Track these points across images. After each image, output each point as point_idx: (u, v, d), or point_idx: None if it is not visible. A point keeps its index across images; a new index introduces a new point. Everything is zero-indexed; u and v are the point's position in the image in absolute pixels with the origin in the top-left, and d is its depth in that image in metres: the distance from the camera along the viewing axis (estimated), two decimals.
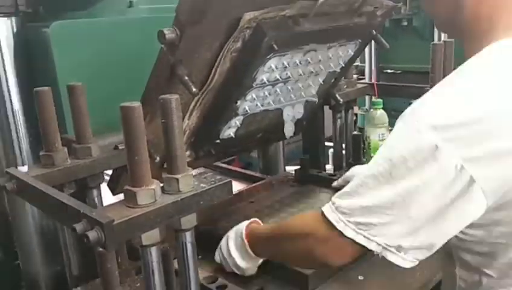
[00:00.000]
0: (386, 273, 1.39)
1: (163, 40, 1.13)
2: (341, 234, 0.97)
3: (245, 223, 1.36)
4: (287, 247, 1.16)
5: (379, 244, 0.96)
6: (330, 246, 1.02)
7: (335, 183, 1.81)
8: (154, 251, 0.98)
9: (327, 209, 1.01)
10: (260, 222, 1.39)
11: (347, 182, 1.28)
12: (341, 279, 1.38)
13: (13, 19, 1.53)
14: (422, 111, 0.93)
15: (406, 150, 0.91)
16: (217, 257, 1.43)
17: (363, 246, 0.97)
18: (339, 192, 1.02)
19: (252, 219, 1.38)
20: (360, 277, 1.38)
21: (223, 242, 1.40)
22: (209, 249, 1.50)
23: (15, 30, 1.53)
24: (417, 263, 0.98)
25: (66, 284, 1.45)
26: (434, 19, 1.17)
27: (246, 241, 1.31)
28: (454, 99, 0.92)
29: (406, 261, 0.97)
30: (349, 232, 0.97)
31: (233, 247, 1.35)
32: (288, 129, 1.74)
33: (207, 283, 1.34)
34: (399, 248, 0.95)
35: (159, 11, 1.88)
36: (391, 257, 0.96)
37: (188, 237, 1.04)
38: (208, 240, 1.52)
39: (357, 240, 0.96)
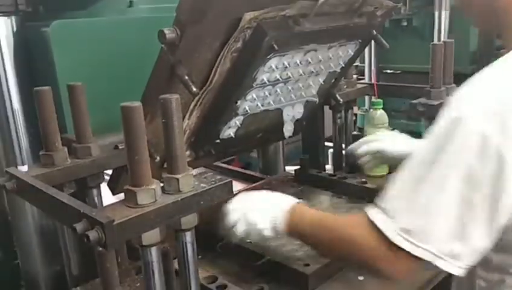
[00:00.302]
0: None
1: (163, 40, 1.13)
2: (392, 244, 0.94)
3: (281, 208, 1.24)
4: (335, 250, 1.11)
5: (430, 252, 0.92)
6: (383, 258, 0.97)
7: (350, 147, 1.85)
8: (154, 251, 0.98)
9: (376, 217, 0.99)
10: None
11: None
12: (341, 279, 1.38)
13: (13, 18, 1.53)
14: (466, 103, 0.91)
15: (452, 146, 0.89)
16: (240, 229, 1.29)
17: (415, 257, 0.93)
18: (385, 197, 1.00)
19: (295, 203, 1.26)
20: (360, 277, 1.38)
21: (251, 219, 1.27)
22: (210, 249, 1.51)
23: (15, 29, 1.53)
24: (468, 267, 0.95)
25: (65, 284, 1.45)
26: (471, 15, 1.15)
27: (284, 229, 1.21)
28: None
29: (460, 269, 0.93)
30: (397, 240, 0.93)
31: (267, 230, 1.24)
32: (288, 129, 1.74)
33: (207, 283, 1.34)
34: (451, 254, 0.92)
35: (159, 11, 1.88)
36: (442, 265, 0.93)
37: (188, 237, 1.04)
38: (208, 240, 1.52)
39: (404, 247, 0.93)
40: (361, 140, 1.80)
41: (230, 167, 2.55)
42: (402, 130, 2.24)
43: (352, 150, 1.80)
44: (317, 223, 1.16)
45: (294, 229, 1.21)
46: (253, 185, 2.01)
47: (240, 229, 1.29)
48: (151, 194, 0.94)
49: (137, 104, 0.91)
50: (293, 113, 1.72)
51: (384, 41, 1.69)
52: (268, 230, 1.24)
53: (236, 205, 1.32)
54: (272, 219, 1.23)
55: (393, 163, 1.58)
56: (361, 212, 1.05)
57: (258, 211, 1.26)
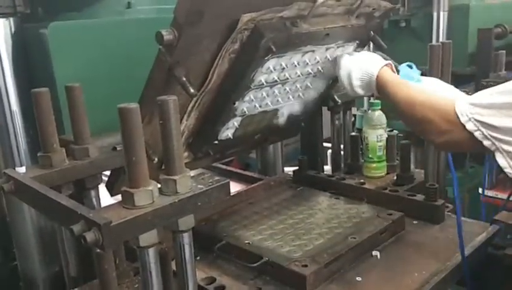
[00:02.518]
0: (384, 275, 1.40)
1: (161, 41, 1.13)
2: (463, 127, 1.12)
3: (375, 66, 1.48)
4: (412, 111, 1.31)
5: (493, 144, 1.09)
6: (449, 131, 1.17)
7: None
8: (151, 252, 0.98)
9: (459, 103, 1.15)
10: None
11: None
12: (339, 280, 1.38)
13: (11, 19, 1.53)
14: None
15: None
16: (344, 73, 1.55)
17: (479, 142, 1.10)
18: (474, 95, 1.17)
19: (384, 63, 1.49)
20: (358, 278, 1.38)
21: (343, 77, 1.55)
22: (207, 250, 1.51)
23: (13, 31, 1.53)
24: None
25: (64, 285, 1.44)
26: None
27: (375, 86, 1.48)
28: None
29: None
30: (470, 126, 1.11)
31: (357, 85, 1.52)
32: (281, 118, 1.73)
33: (205, 284, 1.34)
34: (510, 154, 1.07)
35: (157, 12, 1.88)
36: (499, 159, 1.09)
37: (186, 239, 1.04)
38: (206, 241, 1.52)
39: (476, 135, 1.10)
40: None
41: (229, 168, 2.55)
42: (400, 131, 2.25)
43: None
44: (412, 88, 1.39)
45: (387, 86, 1.45)
46: (252, 186, 2.01)
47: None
48: (148, 196, 0.94)
49: (135, 105, 0.91)
50: (289, 111, 1.72)
51: (382, 42, 1.70)
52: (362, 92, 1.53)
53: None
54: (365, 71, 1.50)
55: None
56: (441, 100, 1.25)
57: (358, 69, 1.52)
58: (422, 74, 1.56)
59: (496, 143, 1.08)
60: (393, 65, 1.53)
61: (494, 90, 1.12)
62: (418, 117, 1.28)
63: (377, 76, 1.47)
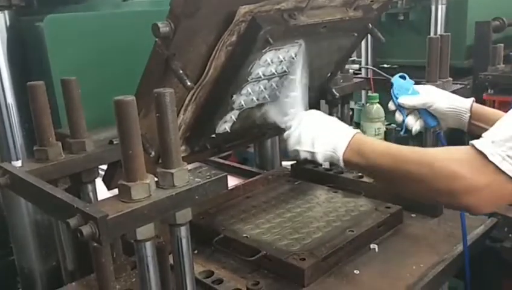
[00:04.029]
0: (382, 268, 1.40)
1: (157, 34, 1.12)
2: (495, 169, 0.93)
3: (343, 137, 1.22)
4: (417, 180, 1.06)
5: None
6: (480, 185, 0.96)
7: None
8: (149, 245, 0.97)
9: (480, 144, 0.97)
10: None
11: None
12: (337, 273, 1.38)
13: (6, 12, 1.52)
14: None
15: None
16: (291, 143, 1.30)
17: None
18: (491, 129, 0.99)
19: (355, 132, 1.24)
20: (356, 271, 1.38)
21: (305, 138, 1.27)
22: (205, 243, 1.50)
23: (8, 24, 1.52)
24: None
25: (61, 280, 1.44)
26: None
27: (341, 159, 1.21)
28: None
29: None
30: (505, 166, 0.93)
31: (321, 155, 1.24)
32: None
33: (202, 278, 1.34)
34: None
35: (154, 5, 1.86)
36: None
37: (183, 232, 1.04)
38: (203, 235, 1.52)
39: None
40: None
41: (226, 162, 2.54)
42: (398, 124, 2.25)
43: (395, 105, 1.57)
44: (394, 156, 1.13)
45: (357, 161, 1.20)
46: (250, 180, 2.00)
47: (303, 155, 1.29)
48: (145, 189, 0.94)
49: (131, 98, 0.90)
50: None
51: (380, 35, 1.69)
52: (324, 159, 1.25)
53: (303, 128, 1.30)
54: (330, 149, 1.23)
55: (443, 118, 1.49)
56: (451, 148, 1.05)
57: (320, 139, 1.26)
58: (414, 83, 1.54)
59: None
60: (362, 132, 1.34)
61: (507, 122, 0.98)
62: (435, 177, 1.03)
63: (350, 142, 1.22)
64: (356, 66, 1.81)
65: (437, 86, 1.77)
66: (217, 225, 1.59)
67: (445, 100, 1.48)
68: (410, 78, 1.54)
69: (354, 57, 3.73)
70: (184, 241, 1.04)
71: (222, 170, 2.25)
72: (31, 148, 1.26)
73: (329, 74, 1.79)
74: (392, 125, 2.12)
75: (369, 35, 1.74)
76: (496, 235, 1.57)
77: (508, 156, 0.93)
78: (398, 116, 1.54)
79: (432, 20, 3.35)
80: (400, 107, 1.51)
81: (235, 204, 1.76)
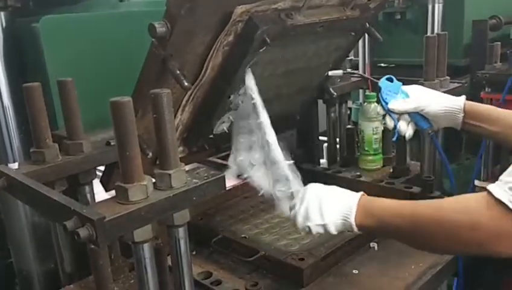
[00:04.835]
0: (381, 267, 1.39)
1: (154, 34, 1.12)
2: None
3: (352, 195, 1.18)
4: (443, 227, 1.01)
5: None
6: (502, 231, 0.93)
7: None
8: (146, 247, 0.97)
9: (498, 192, 0.92)
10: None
11: None
12: (336, 273, 1.38)
13: (2, 13, 1.51)
14: None
15: None
16: (300, 221, 1.21)
17: None
18: (506, 174, 0.94)
19: (361, 194, 1.19)
20: (355, 271, 1.38)
21: (313, 213, 1.19)
22: (203, 244, 1.50)
23: (4, 25, 1.51)
24: None
25: (59, 282, 1.43)
26: None
27: (354, 224, 1.14)
28: None
29: None
30: None
31: (332, 225, 1.17)
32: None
33: (201, 279, 1.33)
34: None
35: (150, 5, 1.86)
36: None
37: (181, 233, 1.03)
38: (201, 236, 1.52)
39: None
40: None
41: (224, 162, 2.53)
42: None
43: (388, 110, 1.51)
44: (410, 216, 1.08)
45: (370, 223, 1.14)
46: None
47: (314, 230, 1.21)
48: (142, 191, 0.93)
49: (127, 99, 0.90)
50: None
51: (377, 34, 1.69)
52: (337, 229, 1.19)
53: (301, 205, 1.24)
54: (341, 217, 1.17)
55: (435, 120, 1.46)
56: (476, 194, 1.00)
57: (328, 209, 1.19)
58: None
59: None
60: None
61: None
62: (458, 234, 0.99)
63: (359, 204, 1.16)
64: (340, 72, 1.78)
65: (435, 84, 1.77)
66: (215, 226, 1.59)
67: (437, 102, 1.44)
68: (408, 77, 1.53)
69: (351, 56, 3.73)
70: (182, 242, 1.04)
71: (220, 170, 2.25)
72: (28, 150, 1.26)
73: (326, 73, 1.79)
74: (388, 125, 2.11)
75: (366, 35, 1.74)
76: None
77: None
78: (389, 122, 1.50)
79: (429, 19, 3.34)
80: (390, 112, 1.47)
81: (233, 204, 1.75)
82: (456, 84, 1.89)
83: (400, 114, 1.47)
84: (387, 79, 1.50)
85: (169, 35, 1.12)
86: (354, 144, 2.10)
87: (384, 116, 1.51)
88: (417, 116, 1.47)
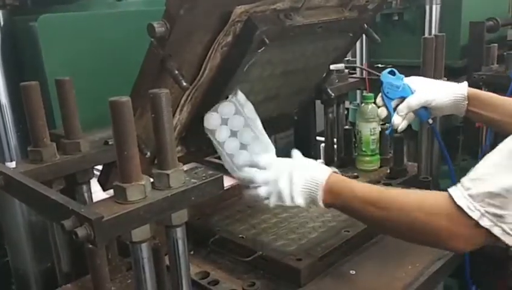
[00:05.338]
0: (378, 268, 1.40)
1: (153, 34, 1.11)
2: (476, 224, 0.94)
3: (322, 171, 1.20)
4: (402, 221, 1.07)
5: None
6: (458, 234, 0.98)
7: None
8: (144, 247, 0.97)
9: (458, 197, 0.96)
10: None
11: None
12: (333, 273, 1.38)
13: (0, 12, 1.51)
14: None
15: None
16: (273, 201, 1.24)
17: (496, 237, 0.93)
18: (468, 178, 0.97)
19: (332, 170, 1.22)
20: (352, 271, 1.38)
21: (283, 182, 1.21)
22: (201, 244, 1.50)
23: (2, 23, 1.51)
24: None
25: (56, 281, 1.43)
26: None
27: (321, 196, 1.18)
28: None
29: None
30: (485, 223, 0.93)
31: (298, 191, 1.20)
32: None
33: (199, 279, 1.34)
34: None
35: (148, 4, 1.86)
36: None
37: (179, 233, 1.03)
38: (199, 236, 1.51)
39: (493, 231, 0.93)
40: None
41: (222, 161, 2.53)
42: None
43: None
44: (378, 207, 1.11)
45: (339, 204, 1.18)
46: None
47: (273, 202, 1.25)
48: (140, 190, 0.93)
49: (126, 98, 0.90)
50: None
51: (375, 35, 1.69)
52: (304, 205, 1.22)
53: (267, 176, 1.25)
54: (308, 195, 1.20)
55: (439, 109, 1.46)
56: (438, 194, 1.03)
57: (292, 186, 1.21)
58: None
59: None
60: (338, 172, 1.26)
61: (490, 170, 0.95)
62: (410, 228, 1.06)
63: (326, 183, 1.18)
64: (341, 66, 1.76)
65: None
66: (213, 226, 1.58)
67: (442, 93, 1.45)
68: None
69: (348, 57, 3.73)
70: (180, 242, 1.04)
71: (218, 170, 2.25)
72: (25, 149, 1.25)
73: (324, 74, 1.79)
74: (387, 125, 2.12)
75: (363, 35, 1.75)
76: None
77: (487, 212, 0.93)
78: (381, 112, 1.50)
79: (426, 20, 3.35)
80: (389, 102, 1.46)
81: (230, 204, 1.75)
82: None
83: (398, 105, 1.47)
84: (390, 72, 1.49)
85: (168, 35, 1.12)
86: (352, 145, 2.10)
87: (347, 113, 1.51)
88: (420, 109, 1.47)
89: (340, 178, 1.22)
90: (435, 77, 1.82)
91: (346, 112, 2.38)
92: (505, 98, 1.47)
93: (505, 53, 2.61)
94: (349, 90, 2.23)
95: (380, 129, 2.00)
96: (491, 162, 0.96)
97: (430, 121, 1.50)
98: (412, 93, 1.47)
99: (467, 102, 1.43)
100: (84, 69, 1.51)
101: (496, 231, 0.93)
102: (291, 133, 2.24)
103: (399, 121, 1.48)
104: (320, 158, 2.56)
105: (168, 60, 1.17)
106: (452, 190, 0.98)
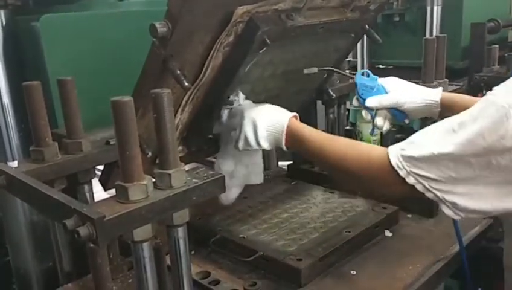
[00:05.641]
0: (378, 268, 1.40)
1: (155, 34, 1.12)
2: (403, 180, 1.06)
3: (283, 116, 1.32)
4: (343, 164, 1.21)
5: (436, 196, 1.05)
6: (390, 185, 1.11)
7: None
8: (146, 246, 0.97)
9: (393, 156, 1.08)
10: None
11: None
12: (334, 274, 1.38)
13: (2, 12, 1.51)
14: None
15: (488, 130, 0.94)
16: (241, 145, 1.37)
17: (420, 192, 1.06)
18: (407, 141, 1.10)
19: (292, 114, 1.34)
20: (353, 272, 1.38)
21: (248, 128, 1.34)
22: (202, 244, 1.50)
23: (4, 23, 1.51)
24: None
25: (57, 281, 1.43)
26: None
27: (284, 138, 1.31)
28: None
29: (457, 215, 1.06)
30: (411, 180, 1.05)
31: (263, 136, 1.32)
32: None
33: (199, 279, 1.34)
34: (454, 205, 1.03)
35: (150, 5, 1.86)
36: (445, 210, 1.06)
37: (180, 233, 1.03)
38: (200, 236, 1.52)
39: (417, 188, 1.06)
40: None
41: None
42: (394, 125, 2.25)
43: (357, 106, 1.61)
44: (328, 138, 1.30)
45: (300, 135, 1.30)
46: None
47: (241, 146, 1.37)
48: (142, 190, 0.93)
49: (128, 98, 0.90)
50: None
51: (377, 36, 1.69)
52: (269, 148, 1.35)
53: (234, 123, 1.40)
54: (273, 139, 1.33)
55: (413, 113, 1.52)
56: (380, 149, 1.16)
57: (256, 131, 1.33)
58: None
59: (438, 194, 1.04)
60: (298, 116, 1.36)
61: (424, 138, 1.07)
62: (351, 174, 1.20)
63: (287, 126, 1.30)
64: (315, 69, 1.76)
65: (433, 87, 1.78)
66: (214, 226, 1.59)
67: (415, 97, 1.50)
68: (407, 79, 1.54)
69: (349, 58, 3.73)
70: (181, 242, 1.04)
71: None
72: (27, 149, 1.25)
73: (325, 75, 1.79)
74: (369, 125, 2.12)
75: (365, 36, 1.75)
76: (492, 236, 1.58)
77: (412, 172, 1.05)
78: (365, 115, 1.55)
79: (428, 22, 3.36)
80: (368, 108, 1.51)
81: (231, 204, 1.75)
82: (454, 87, 1.90)
83: (378, 110, 1.52)
84: (363, 74, 1.51)
85: (170, 35, 1.13)
86: None
87: (348, 113, 1.55)
88: (394, 110, 1.51)
89: (298, 123, 1.33)
90: (436, 78, 1.83)
91: (347, 113, 2.38)
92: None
93: (506, 54, 2.62)
94: (350, 91, 2.23)
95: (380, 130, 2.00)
96: (429, 133, 1.07)
97: (407, 121, 1.54)
98: (387, 93, 1.51)
99: (439, 109, 1.48)
100: (86, 68, 1.51)
101: (419, 187, 1.05)
102: None
103: (381, 123, 1.55)
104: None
105: (170, 60, 1.18)
106: (390, 149, 1.11)
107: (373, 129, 1.54)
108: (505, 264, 1.31)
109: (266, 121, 1.32)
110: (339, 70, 1.63)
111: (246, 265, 1.41)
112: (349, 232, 1.49)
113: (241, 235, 1.51)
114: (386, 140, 2.02)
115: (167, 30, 1.12)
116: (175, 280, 1.07)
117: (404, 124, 1.55)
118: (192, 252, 1.47)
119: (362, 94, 1.51)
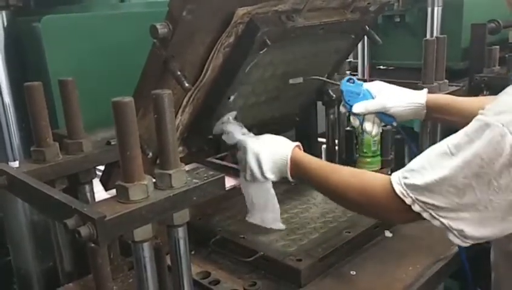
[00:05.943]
0: (378, 269, 1.40)
1: (155, 35, 1.12)
2: (409, 208, 1.06)
3: (286, 147, 1.35)
4: (347, 194, 1.21)
5: (443, 224, 1.03)
6: (395, 213, 1.12)
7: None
8: (146, 246, 0.97)
9: (396, 183, 1.08)
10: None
11: None
12: (333, 274, 1.39)
13: (3, 13, 1.52)
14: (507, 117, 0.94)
15: (484, 150, 0.94)
16: (246, 176, 1.41)
17: (426, 219, 1.05)
18: (406, 169, 1.09)
19: (295, 144, 1.36)
20: (352, 272, 1.39)
21: (252, 162, 1.37)
22: (202, 244, 1.51)
23: (5, 24, 1.52)
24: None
25: (58, 280, 1.44)
26: None
27: (289, 168, 1.33)
28: None
29: (465, 243, 1.04)
30: (416, 208, 1.05)
31: (268, 169, 1.36)
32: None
33: (200, 279, 1.34)
34: (461, 232, 1.02)
35: (151, 6, 1.87)
36: (452, 238, 1.04)
37: (181, 233, 1.04)
38: (200, 236, 1.52)
39: (424, 216, 1.05)
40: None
41: (223, 162, 2.54)
42: (395, 126, 2.26)
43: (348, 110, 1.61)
44: (334, 168, 1.30)
45: (305, 166, 1.32)
46: None
47: (248, 178, 1.41)
48: (143, 190, 0.94)
49: (129, 99, 0.91)
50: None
51: (377, 37, 1.70)
52: (275, 179, 1.39)
53: (239, 157, 1.43)
54: (278, 171, 1.37)
55: (400, 116, 1.54)
56: (383, 177, 1.16)
57: (261, 165, 1.36)
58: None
59: (445, 222, 1.03)
60: (301, 146, 1.39)
61: (423, 164, 1.06)
62: (356, 203, 1.21)
63: (291, 158, 1.34)
64: (300, 79, 1.75)
65: (433, 88, 1.78)
66: (214, 226, 1.59)
67: (400, 101, 1.52)
68: (407, 79, 1.56)
69: (350, 58, 3.73)
70: (182, 242, 1.04)
71: (219, 171, 2.25)
72: (28, 149, 1.26)
73: (326, 75, 1.80)
74: (388, 127, 2.12)
75: (365, 37, 1.75)
76: None
77: (418, 200, 1.04)
78: (353, 121, 1.57)
79: (428, 22, 3.36)
80: (355, 114, 1.53)
81: (232, 205, 1.76)
82: (454, 88, 1.90)
83: (364, 115, 1.55)
84: (348, 80, 1.53)
85: (171, 36, 1.13)
86: (353, 146, 2.11)
87: (349, 115, 1.56)
88: (381, 114, 1.54)
89: (301, 153, 1.36)
90: (436, 79, 1.83)
91: (347, 114, 2.39)
92: (464, 99, 1.54)
93: (506, 55, 2.62)
94: None
95: (381, 131, 2.01)
96: (426, 158, 1.06)
97: (395, 123, 1.56)
98: (373, 98, 1.54)
99: (425, 111, 1.50)
100: (87, 69, 1.52)
101: (426, 215, 1.05)
102: (292, 134, 2.25)
103: (370, 128, 1.58)
104: (321, 159, 2.56)
105: (171, 61, 1.18)
106: (393, 177, 1.10)
107: (362, 134, 1.56)
108: (491, 263, 1.32)
109: (269, 155, 1.35)
110: (324, 78, 1.66)
111: (246, 265, 1.41)
112: (349, 232, 1.49)
113: (241, 236, 1.51)
114: (386, 140, 2.02)
115: (168, 31, 1.12)
116: (175, 280, 1.08)
117: (392, 126, 1.57)
118: (193, 252, 1.48)
119: (349, 100, 1.53)
